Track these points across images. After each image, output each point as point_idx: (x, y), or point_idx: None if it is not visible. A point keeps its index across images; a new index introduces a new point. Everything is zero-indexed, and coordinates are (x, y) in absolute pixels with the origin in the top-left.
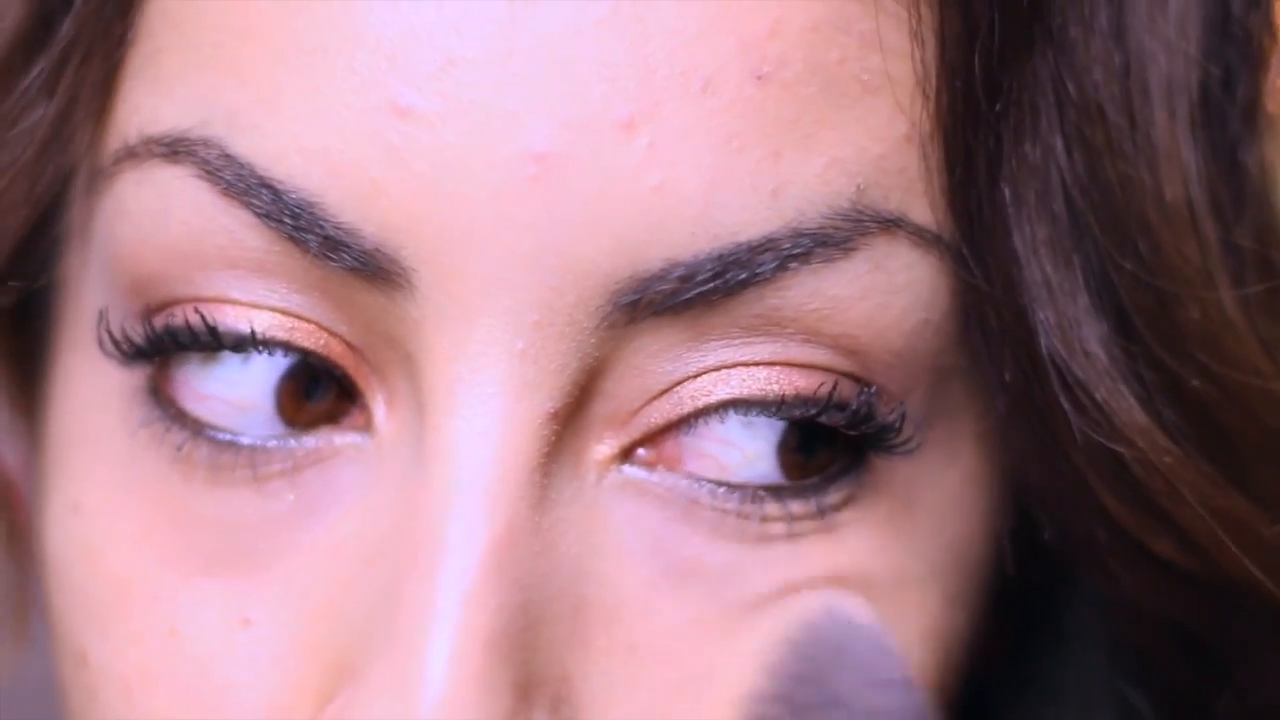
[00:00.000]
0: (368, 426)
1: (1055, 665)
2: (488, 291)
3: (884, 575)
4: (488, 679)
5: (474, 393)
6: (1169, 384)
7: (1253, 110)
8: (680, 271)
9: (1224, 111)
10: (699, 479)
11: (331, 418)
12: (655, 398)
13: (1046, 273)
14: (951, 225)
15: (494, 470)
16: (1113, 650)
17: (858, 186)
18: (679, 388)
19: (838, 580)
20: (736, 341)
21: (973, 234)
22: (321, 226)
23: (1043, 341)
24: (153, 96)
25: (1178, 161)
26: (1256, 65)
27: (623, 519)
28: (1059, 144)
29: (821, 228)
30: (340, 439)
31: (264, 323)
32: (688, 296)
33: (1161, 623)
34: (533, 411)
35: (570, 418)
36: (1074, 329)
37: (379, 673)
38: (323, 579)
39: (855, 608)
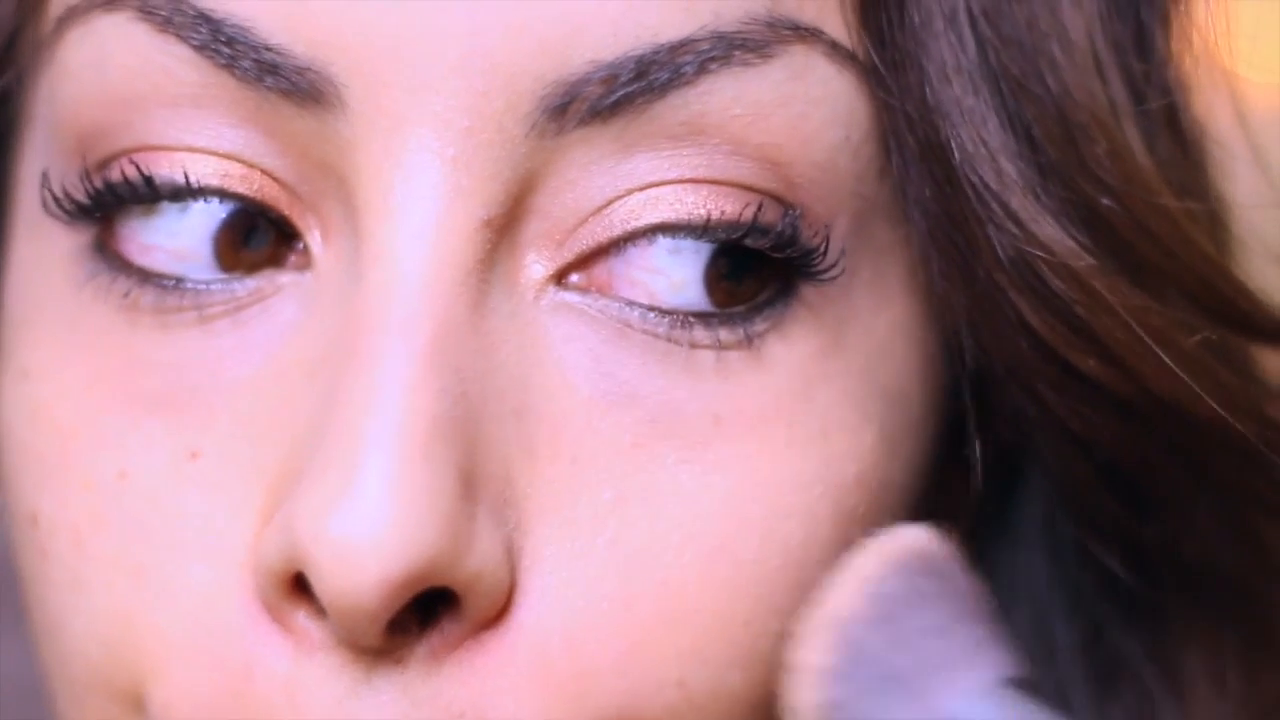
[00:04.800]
0: (307, 264)
1: (1006, 559)
2: (417, 100)
3: (814, 414)
4: (432, 458)
5: (408, 199)
6: (1080, 204)
7: None
8: (603, 73)
9: None
10: (630, 303)
11: (271, 262)
12: (587, 218)
13: (958, 96)
14: (865, 45)
15: (430, 268)
16: (1057, 535)
17: None
18: (610, 208)
19: (767, 414)
20: (664, 153)
21: (885, 54)
22: (255, 50)
23: (957, 157)
24: None
25: (1080, 7)
26: None
27: (561, 338)
28: None
29: (739, 31)
30: (281, 278)
31: (198, 170)
32: (613, 99)
33: (1095, 465)
34: (467, 217)
35: (505, 231)
36: (986, 148)
37: (319, 466)
38: (267, 404)
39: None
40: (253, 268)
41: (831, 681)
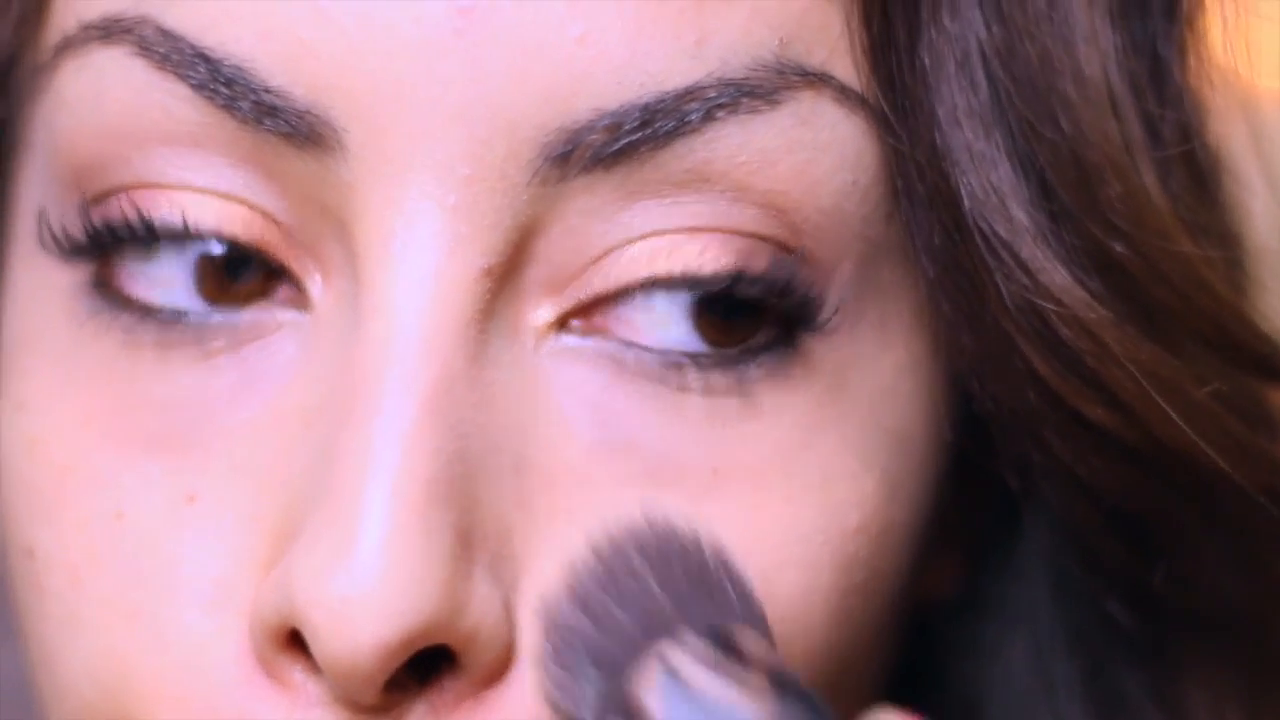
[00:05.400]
0: (305, 304)
1: (1009, 592)
2: (418, 147)
3: (814, 464)
4: (429, 519)
5: (408, 247)
6: (1093, 250)
7: (1173, 7)
8: (607, 120)
9: (1144, 5)
10: (627, 343)
11: (261, 294)
12: (586, 267)
13: (968, 140)
14: (875, 89)
15: (429, 320)
16: (1060, 570)
17: (780, 40)
18: (608, 258)
19: (765, 464)
20: (667, 200)
21: (895, 99)
22: (254, 92)
23: (966, 204)
24: None
25: (1096, 43)
26: None
27: (562, 386)
28: (978, 18)
29: (746, 78)
30: (280, 315)
31: (196, 212)
32: (617, 147)
33: (1101, 508)
34: (467, 266)
35: (506, 278)
36: (997, 194)
37: (316, 525)
38: (265, 450)
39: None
40: (242, 299)
41: (548, 667)
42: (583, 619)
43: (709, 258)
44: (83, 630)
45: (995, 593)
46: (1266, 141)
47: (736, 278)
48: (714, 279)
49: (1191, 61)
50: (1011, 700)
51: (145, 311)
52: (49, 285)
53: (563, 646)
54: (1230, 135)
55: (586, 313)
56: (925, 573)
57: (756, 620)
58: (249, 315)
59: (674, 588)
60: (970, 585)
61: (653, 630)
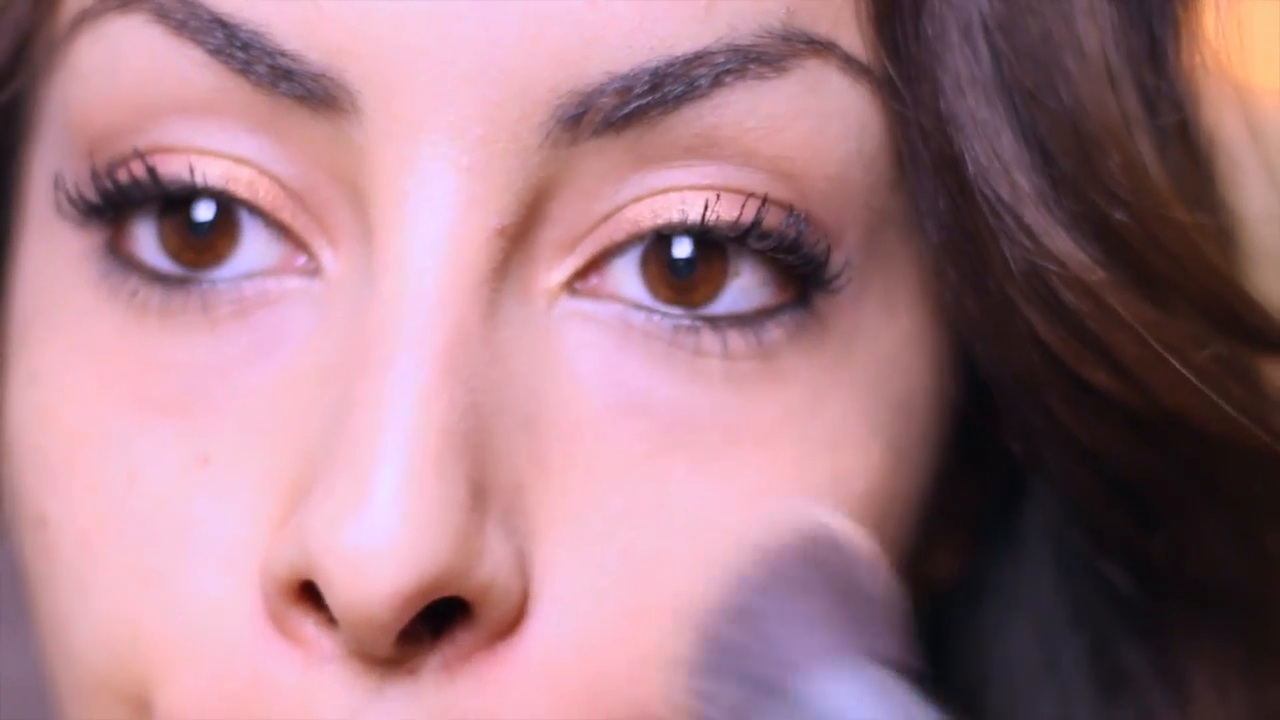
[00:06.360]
0: (315, 271)
1: (1010, 572)
2: (432, 108)
3: (824, 428)
4: (443, 469)
5: (421, 207)
6: (1093, 216)
7: None
8: (618, 84)
9: None
10: (637, 305)
11: (214, 251)
12: (598, 224)
13: (972, 108)
14: (880, 59)
15: (443, 278)
16: (1062, 547)
17: (787, 8)
18: (619, 213)
19: (777, 426)
20: (677, 164)
21: (900, 66)
22: (270, 55)
23: (970, 170)
24: None
25: (1094, 19)
26: None
27: (574, 346)
28: None
29: (754, 45)
30: (289, 283)
31: (204, 168)
32: (627, 110)
33: (1103, 477)
34: (480, 225)
35: (519, 239)
36: (1000, 160)
37: (330, 477)
38: (279, 411)
39: (840, 524)
40: (200, 259)
41: (694, 673)
42: (738, 632)
43: (718, 209)
44: (94, 595)
45: (998, 574)
46: (1260, 120)
47: (747, 230)
48: (727, 226)
49: (1185, 43)
50: (1015, 680)
51: (152, 275)
52: (64, 253)
53: (713, 657)
54: (1224, 118)
55: (595, 268)
56: (930, 553)
57: (903, 642)
58: (254, 284)
59: (831, 607)
60: (973, 568)
61: (808, 650)
